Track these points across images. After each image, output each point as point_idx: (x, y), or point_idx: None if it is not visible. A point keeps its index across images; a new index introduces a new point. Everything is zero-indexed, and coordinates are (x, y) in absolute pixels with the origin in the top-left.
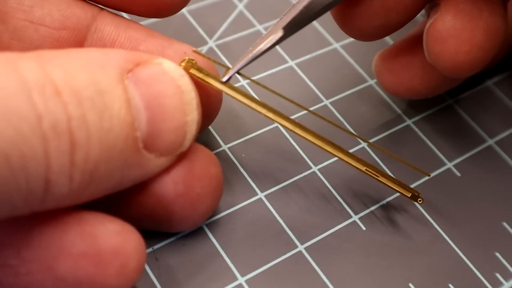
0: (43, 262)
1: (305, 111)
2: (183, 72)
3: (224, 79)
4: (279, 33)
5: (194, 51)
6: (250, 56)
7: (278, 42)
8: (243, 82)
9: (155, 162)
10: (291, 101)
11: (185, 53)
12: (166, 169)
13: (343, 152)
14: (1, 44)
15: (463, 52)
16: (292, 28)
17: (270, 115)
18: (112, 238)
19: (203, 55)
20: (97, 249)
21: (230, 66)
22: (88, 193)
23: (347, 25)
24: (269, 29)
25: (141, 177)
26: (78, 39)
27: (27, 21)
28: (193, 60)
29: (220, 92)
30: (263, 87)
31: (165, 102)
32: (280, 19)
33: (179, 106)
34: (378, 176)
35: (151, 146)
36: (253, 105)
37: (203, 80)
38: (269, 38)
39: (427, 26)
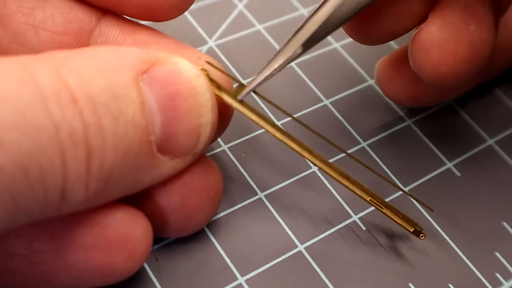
0: (54, 253)
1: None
2: (199, 72)
3: (240, 97)
4: (299, 50)
5: (208, 62)
6: (267, 73)
7: (296, 58)
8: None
9: (169, 164)
10: (291, 116)
11: (199, 58)
12: (163, 180)
13: (349, 180)
14: (0, 49)
15: (446, 65)
16: (310, 44)
17: (278, 135)
18: (120, 226)
19: (216, 67)
20: (107, 239)
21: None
22: (103, 198)
23: (355, 31)
24: (284, 45)
25: (155, 179)
26: (81, 44)
27: (27, 24)
28: (205, 70)
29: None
30: (275, 106)
31: (179, 104)
32: (296, 33)
33: (194, 108)
34: (382, 208)
35: (165, 149)
36: (263, 124)
37: (215, 94)
38: (288, 55)
39: (413, 34)
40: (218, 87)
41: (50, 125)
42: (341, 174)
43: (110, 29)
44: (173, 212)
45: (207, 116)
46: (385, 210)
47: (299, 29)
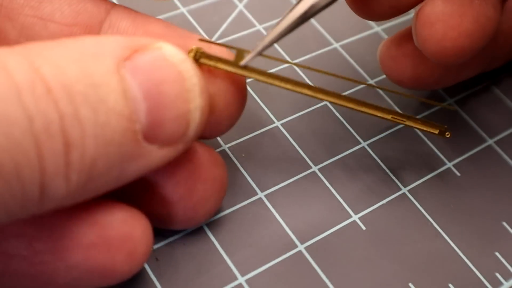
0: (54, 253)
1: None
2: (184, 57)
3: (243, 63)
4: (300, 19)
5: (201, 40)
6: (271, 37)
7: (297, 26)
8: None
9: (158, 153)
10: (327, 73)
11: (202, 39)
12: (169, 171)
13: (366, 106)
14: (8, 44)
15: (450, 38)
16: (311, 14)
17: (289, 86)
18: (120, 227)
19: (210, 41)
20: (107, 239)
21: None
22: (88, 191)
23: (357, 4)
24: (285, 14)
25: (144, 169)
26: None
27: (35, 17)
28: (200, 48)
29: (242, 80)
30: (286, 62)
31: (165, 90)
32: (298, 3)
33: (180, 94)
34: (405, 121)
35: (152, 137)
36: (271, 81)
37: (217, 67)
38: (288, 24)
39: (417, 9)
40: (218, 59)
41: (24, 118)
42: (359, 103)
43: (120, 20)
44: (179, 203)
45: (196, 101)
46: (408, 122)
47: None
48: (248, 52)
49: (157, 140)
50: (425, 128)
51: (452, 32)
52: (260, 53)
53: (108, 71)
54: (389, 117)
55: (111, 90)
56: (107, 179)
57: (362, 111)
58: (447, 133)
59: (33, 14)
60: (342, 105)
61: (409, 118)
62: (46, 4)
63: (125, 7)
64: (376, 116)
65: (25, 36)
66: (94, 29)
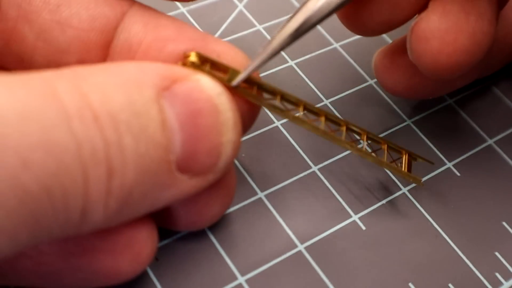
0: (60, 255)
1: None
2: (220, 90)
3: (234, 83)
4: (292, 36)
5: (198, 54)
6: (261, 58)
7: (289, 44)
8: None
9: (189, 183)
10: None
11: (199, 53)
12: None
13: (359, 150)
14: (26, 46)
15: (445, 54)
16: (303, 30)
17: (277, 112)
18: (125, 230)
19: (207, 57)
20: (112, 242)
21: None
22: (121, 218)
23: (349, 19)
24: (277, 32)
25: (174, 198)
26: (106, 41)
27: (53, 21)
28: (195, 62)
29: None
30: (271, 88)
31: (200, 122)
32: (290, 20)
33: (215, 127)
34: (383, 164)
35: (184, 167)
36: (260, 103)
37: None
38: (279, 41)
39: (412, 24)
40: (209, 71)
41: (73, 144)
42: (348, 144)
43: (133, 24)
44: (184, 206)
45: (228, 134)
46: (387, 167)
47: (293, 15)
48: (240, 72)
49: (189, 171)
50: (402, 175)
51: (447, 48)
52: (249, 74)
53: (149, 100)
54: (370, 159)
55: (151, 120)
56: (140, 206)
57: (350, 150)
58: (422, 183)
59: (51, 18)
60: (335, 142)
61: (391, 166)
62: (64, 8)
63: (142, 8)
64: (358, 154)
65: (42, 40)
66: (109, 34)
